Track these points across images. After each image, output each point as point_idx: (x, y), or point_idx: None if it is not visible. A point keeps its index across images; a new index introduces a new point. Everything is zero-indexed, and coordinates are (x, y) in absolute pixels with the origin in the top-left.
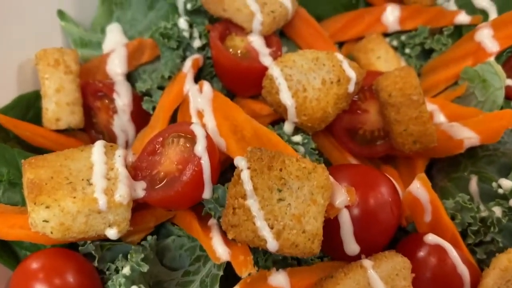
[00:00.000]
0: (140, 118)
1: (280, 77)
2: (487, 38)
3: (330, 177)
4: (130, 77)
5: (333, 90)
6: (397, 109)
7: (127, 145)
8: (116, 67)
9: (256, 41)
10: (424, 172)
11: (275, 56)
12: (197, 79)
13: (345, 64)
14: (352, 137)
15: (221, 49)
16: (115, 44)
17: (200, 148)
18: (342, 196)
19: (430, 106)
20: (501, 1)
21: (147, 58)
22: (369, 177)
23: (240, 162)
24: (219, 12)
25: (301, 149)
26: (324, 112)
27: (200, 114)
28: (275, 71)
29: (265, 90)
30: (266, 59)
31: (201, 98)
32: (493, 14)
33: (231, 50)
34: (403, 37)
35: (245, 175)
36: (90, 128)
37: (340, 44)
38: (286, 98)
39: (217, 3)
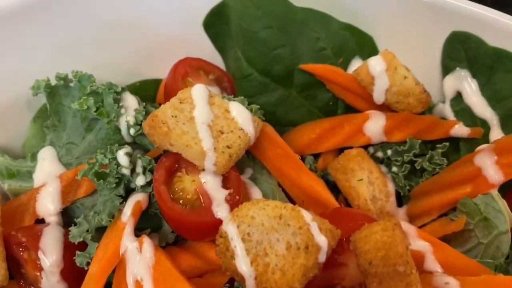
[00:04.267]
0: (75, 274)
1: (236, 237)
2: (489, 165)
3: None
4: (67, 211)
5: (300, 260)
6: (379, 280)
7: None
8: (48, 204)
9: (210, 182)
10: None
11: (232, 202)
12: (143, 214)
13: (314, 228)
14: None
15: (165, 199)
16: (47, 174)
17: None
18: None
19: (421, 244)
20: (504, 111)
21: (85, 192)
22: None
23: None
24: (166, 146)
25: None
26: None
27: (138, 284)
28: (230, 229)
29: (218, 250)
30: (220, 208)
31: (140, 261)
32: (495, 127)
33: (180, 193)
34: (389, 151)
35: None
36: (20, 277)
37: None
38: (243, 265)
39: (162, 136)
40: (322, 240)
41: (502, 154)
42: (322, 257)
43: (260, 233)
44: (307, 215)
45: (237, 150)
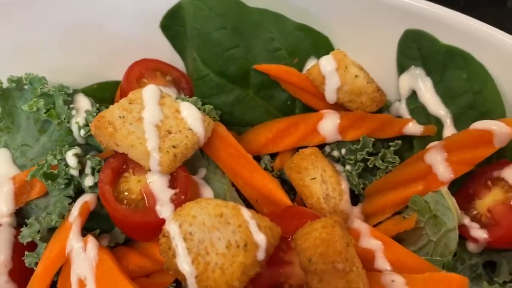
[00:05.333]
0: (25, 274)
1: (178, 236)
2: (439, 162)
3: None
4: (21, 212)
5: (239, 258)
6: (319, 278)
7: None
8: (1, 205)
9: (156, 182)
10: None
11: (177, 202)
12: (96, 216)
13: (253, 226)
14: None
15: (108, 200)
16: (1, 176)
17: None
18: None
19: (373, 243)
20: (456, 108)
21: (38, 193)
22: None
23: None
24: (112, 146)
25: None
26: (229, 286)
27: (81, 283)
28: (172, 228)
29: (161, 249)
30: (164, 208)
31: (84, 260)
32: (448, 124)
33: (126, 194)
34: (343, 150)
35: None
36: None
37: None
38: (185, 264)
39: (108, 137)
40: (260, 238)
41: (451, 151)
42: (261, 255)
43: (202, 232)
44: (246, 213)
45: (183, 149)
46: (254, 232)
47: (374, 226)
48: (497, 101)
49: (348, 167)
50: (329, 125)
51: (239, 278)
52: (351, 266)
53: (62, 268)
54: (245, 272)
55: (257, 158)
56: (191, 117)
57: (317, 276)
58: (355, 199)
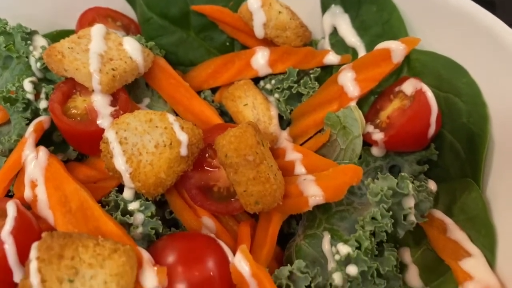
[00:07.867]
0: None
1: (115, 140)
2: (349, 81)
3: (146, 254)
4: None
5: (165, 154)
6: (234, 170)
7: None
8: None
9: (99, 101)
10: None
11: (116, 116)
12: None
13: (176, 126)
14: (206, 195)
15: (56, 113)
16: None
17: (5, 231)
18: (151, 278)
19: (294, 155)
20: (369, 38)
21: (1, 119)
22: (196, 248)
23: (30, 253)
24: (62, 72)
25: (140, 217)
26: (157, 178)
27: (33, 185)
28: (110, 134)
29: (102, 154)
30: (104, 120)
31: (35, 166)
32: (362, 53)
33: (73, 111)
34: (273, 81)
35: (32, 266)
36: None
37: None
38: (120, 163)
39: (57, 63)
40: (183, 137)
41: (359, 71)
42: (183, 151)
43: (135, 136)
44: (171, 117)
45: (122, 72)
46: (178, 132)
47: (301, 145)
48: (401, 28)
49: (276, 95)
50: (260, 59)
51: (166, 171)
52: (261, 159)
53: (18, 175)
54: (171, 166)
55: (201, 94)
56: (131, 47)
57: (232, 169)
58: (287, 125)
